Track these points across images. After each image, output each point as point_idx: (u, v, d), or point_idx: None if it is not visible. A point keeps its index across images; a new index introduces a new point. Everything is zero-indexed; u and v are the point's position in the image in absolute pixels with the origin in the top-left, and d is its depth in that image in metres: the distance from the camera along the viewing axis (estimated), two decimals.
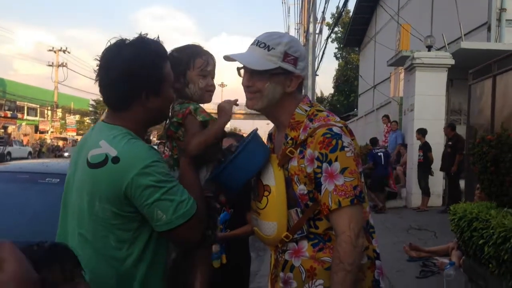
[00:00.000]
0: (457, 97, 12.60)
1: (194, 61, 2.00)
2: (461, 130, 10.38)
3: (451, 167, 9.75)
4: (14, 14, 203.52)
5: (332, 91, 42.15)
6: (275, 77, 1.79)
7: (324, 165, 1.69)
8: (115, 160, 1.59)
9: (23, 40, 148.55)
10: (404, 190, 11.61)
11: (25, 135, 40.48)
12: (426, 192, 10.37)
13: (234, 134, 3.44)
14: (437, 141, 10.58)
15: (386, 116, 14.25)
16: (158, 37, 1.79)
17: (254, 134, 2.00)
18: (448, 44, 12.08)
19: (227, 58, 1.84)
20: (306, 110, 1.84)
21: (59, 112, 49.98)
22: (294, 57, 1.80)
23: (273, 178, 1.80)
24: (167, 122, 1.98)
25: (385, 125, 14.30)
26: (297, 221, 1.77)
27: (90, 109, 55.35)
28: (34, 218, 3.33)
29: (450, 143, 9.92)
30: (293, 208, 1.78)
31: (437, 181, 10.69)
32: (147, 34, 1.77)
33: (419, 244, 6.73)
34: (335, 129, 1.73)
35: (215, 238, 2.04)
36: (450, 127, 10.10)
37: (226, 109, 1.96)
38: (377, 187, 10.75)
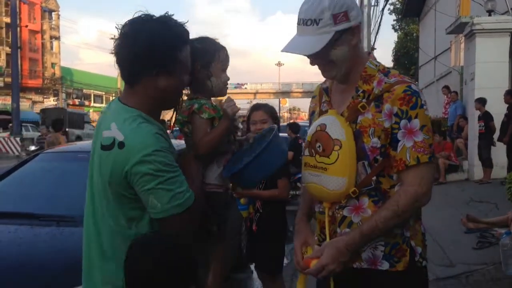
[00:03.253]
0: None
1: (219, 54, 2.02)
2: None
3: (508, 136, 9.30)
4: (75, 5, 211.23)
5: (391, 64, 40.96)
6: (337, 42, 1.76)
7: (403, 121, 1.72)
8: (121, 145, 1.63)
9: (86, 30, 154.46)
10: (466, 163, 11.23)
11: (93, 121, 42.35)
12: (488, 163, 9.97)
13: (263, 106, 3.53)
14: (500, 111, 10.08)
15: (446, 87, 13.74)
16: (187, 21, 1.80)
17: (275, 132, 2.03)
18: (511, 9, 11.42)
19: (285, 51, 1.81)
20: (376, 65, 1.85)
21: None
22: (343, 12, 1.74)
23: (344, 133, 1.78)
24: (174, 115, 1.99)
25: (445, 96, 13.81)
26: (366, 176, 1.77)
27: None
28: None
29: (507, 111, 9.45)
30: (360, 161, 1.78)
31: (501, 152, 10.23)
32: (173, 14, 1.79)
33: (479, 216, 6.54)
34: (414, 87, 1.76)
35: (223, 234, 2.04)
36: (509, 94, 9.55)
37: (227, 112, 1.98)
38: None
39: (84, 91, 48.61)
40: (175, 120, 2.01)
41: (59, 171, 4.02)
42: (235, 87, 67.63)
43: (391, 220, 1.71)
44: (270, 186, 3.31)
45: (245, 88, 69.31)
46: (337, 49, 1.76)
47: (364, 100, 1.80)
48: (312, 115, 2.07)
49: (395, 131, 1.74)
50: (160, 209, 1.65)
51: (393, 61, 40.01)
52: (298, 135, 9.96)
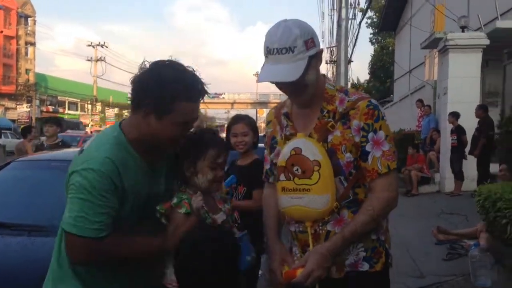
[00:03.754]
0: (493, 79, 12.26)
1: (208, 152, 2.00)
2: (497, 112, 10.12)
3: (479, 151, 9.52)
4: (52, 11, 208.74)
5: (368, 77, 41.57)
6: (309, 67, 1.83)
7: (370, 134, 1.87)
8: (80, 152, 1.81)
9: (63, 36, 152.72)
10: (438, 175, 11.45)
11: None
12: (459, 176, 10.19)
13: (244, 118, 3.55)
14: (473, 125, 10.31)
15: (420, 101, 14.03)
16: (203, 84, 1.84)
17: (246, 238, 2.10)
18: (484, 25, 11.75)
19: (264, 80, 1.86)
20: (333, 86, 1.99)
21: (98, 106, 51.27)
22: (311, 38, 1.84)
23: (319, 152, 1.88)
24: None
25: (419, 109, 14.08)
26: (343, 190, 1.90)
27: (129, 102, 56.33)
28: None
29: (478, 125, 9.69)
30: (336, 177, 1.89)
31: (471, 165, 10.46)
32: (196, 70, 1.86)
33: (449, 228, 6.68)
34: (373, 101, 1.91)
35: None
36: (481, 109, 9.79)
37: (193, 208, 1.94)
38: None
39: (59, 98, 47.94)
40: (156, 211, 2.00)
41: (32, 179, 3.95)
42: (213, 97, 67.55)
43: (368, 225, 1.88)
44: (248, 196, 3.33)
45: (223, 98, 69.38)
46: (309, 73, 1.85)
47: (331, 120, 1.92)
48: (273, 139, 2.12)
49: (363, 144, 1.88)
50: (64, 220, 1.72)
51: (369, 73, 40.63)
52: None
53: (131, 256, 1.82)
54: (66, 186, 1.78)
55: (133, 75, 1.82)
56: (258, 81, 1.93)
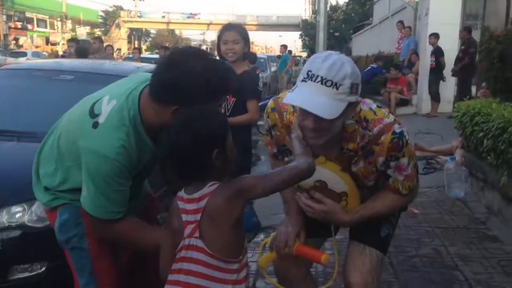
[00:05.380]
0: (473, 1, 12.18)
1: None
2: (476, 35, 10.14)
3: (461, 71, 9.65)
4: None
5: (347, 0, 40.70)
6: (343, 112, 1.66)
7: (392, 163, 1.83)
8: (95, 125, 1.75)
9: None
10: (415, 97, 11.63)
11: (36, 47, 40.36)
12: (436, 98, 10.37)
13: (236, 26, 3.47)
14: (451, 47, 10.36)
15: (401, 22, 13.90)
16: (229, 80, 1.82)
17: None
18: None
19: (304, 107, 1.66)
20: (352, 117, 1.78)
21: (68, 24, 49.30)
22: (357, 84, 1.66)
23: (345, 183, 1.88)
24: None
25: (399, 31, 14.01)
26: (365, 194, 1.97)
27: (100, 20, 54.40)
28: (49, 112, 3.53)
29: (463, 47, 9.75)
30: (360, 190, 1.94)
31: (449, 87, 10.65)
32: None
33: (426, 145, 6.89)
34: (397, 128, 1.77)
35: None
36: (466, 30, 9.82)
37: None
38: None
39: (27, 14, 45.78)
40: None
41: (16, 88, 3.89)
42: (188, 17, 65.56)
43: (385, 213, 2.01)
44: (239, 106, 3.37)
45: (198, 18, 67.25)
46: (340, 119, 1.68)
47: (353, 155, 1.84)
48: (283, 146, 1.99)
49: (385, 169, 1.87)
50: (82, 200, 1.78)
51: None
52: (255, 65, 9.94)
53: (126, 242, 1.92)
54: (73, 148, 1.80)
55: (159, 63, 1.80)
56: (286, 100, 1.71)
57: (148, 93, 1.78)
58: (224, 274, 1.61)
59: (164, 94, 1.73)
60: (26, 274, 2.66)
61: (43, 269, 2.66)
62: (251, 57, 10.30)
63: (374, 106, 1.84)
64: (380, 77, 11.98)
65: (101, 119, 1.75)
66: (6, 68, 4.39)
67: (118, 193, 1.76)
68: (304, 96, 1.64)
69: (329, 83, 1.61)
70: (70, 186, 1.87)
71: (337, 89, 1.61)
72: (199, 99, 1.69)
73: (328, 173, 1.86)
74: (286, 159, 1.99)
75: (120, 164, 1.72)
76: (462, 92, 9.38)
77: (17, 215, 2.68)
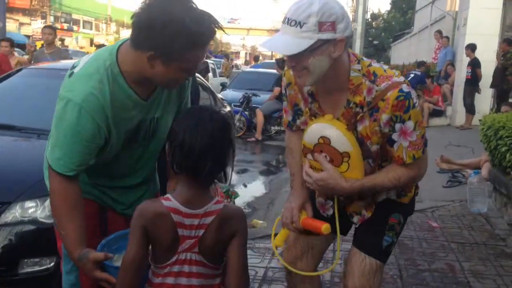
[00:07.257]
0: None
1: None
2: None
3: (501, 84, 9.37)
4: None
5: (389, 7, 40.18)
6: (317, 50, 1.70)
7: (398, 125, 1.79)
8: (70, 75, 1.73)
9: None
10: (450, 108, 11.38)
11: (81, 48, 41.52)
12: (470, 110, 10.12)
13: None
14: (490, 58, 10.09)
15: (439, 32, 13.64)
16: (216, 22, 1.67)
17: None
18: None
19: (264, 47, 1.82)
20: (359, 70, 1.82)
21: (113, 26, 50.58)
22: (330, 22, 1.67)
23: (349, 144, 1.84)
24: None
25: (437, 41, 13.75)
26: (371, 168, 1.92)
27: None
28: None
29: (502, 58, 9.48)
30: (365, 159, 1.90)
31: (485, 100, 10.38)
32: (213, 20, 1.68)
33: (454, 158, 6.73)
34: (405, 88, 1.77)
35: None
36: (506, 42, 9.56)
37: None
38: None
39: (73, 16, 47.23)
40: None
41: (42, 87, 4.03)
42: (229, 22, 66.18)
43: (388, 188, 1.95)
44: None
45: (239, 23, 67.83)
46: (316, 58, 1.71)
47: (359, 110, 1.83)
48: (296, 106, 2.03)
49: (390, 132, 1.83)
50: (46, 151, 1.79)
51: (390, 3, 39.27)
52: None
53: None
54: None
55: (139, 6, 1.65)
56: (261, 44, 1.82)
57: (128, 42, 1.73)
58: (215, 279, 1.66)
59: (140, 36, 1.65)
60: (36, 268, 2.76)
61: (51, 264, 2.75)
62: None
63: (386, 67, 1.88)
64: (421, 86, 11.58)
65: (76, 69, 1.74)
66: (33, 68, 4.56)
67: (78, 147, 1.68)
68: (272, 39, 1.80)
69: (293, 23, 1.68)
70: None
71: (300, 27, 1.67)
72: (175, 43, 1.59)
73: (333, 130, 1.86)
74: (298, 122, 2.04)
75: (86, 114, 1.65)
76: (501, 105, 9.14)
77: (30, 210, 2.78)
